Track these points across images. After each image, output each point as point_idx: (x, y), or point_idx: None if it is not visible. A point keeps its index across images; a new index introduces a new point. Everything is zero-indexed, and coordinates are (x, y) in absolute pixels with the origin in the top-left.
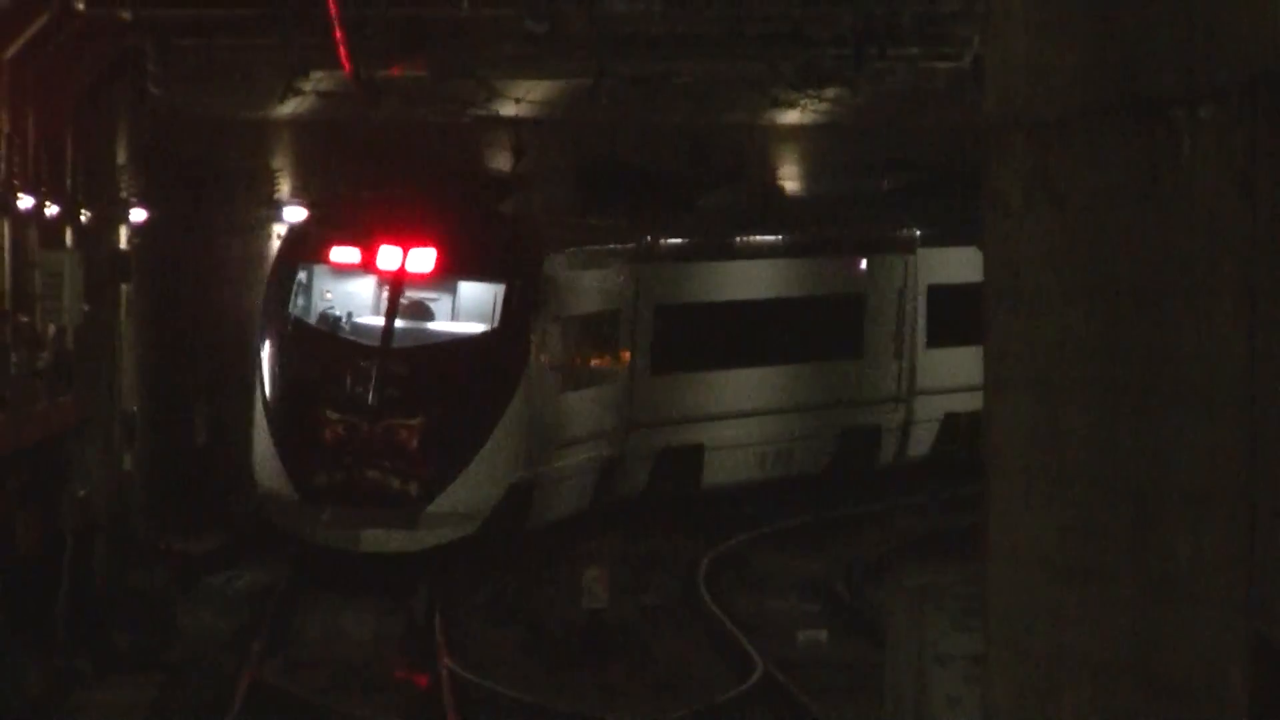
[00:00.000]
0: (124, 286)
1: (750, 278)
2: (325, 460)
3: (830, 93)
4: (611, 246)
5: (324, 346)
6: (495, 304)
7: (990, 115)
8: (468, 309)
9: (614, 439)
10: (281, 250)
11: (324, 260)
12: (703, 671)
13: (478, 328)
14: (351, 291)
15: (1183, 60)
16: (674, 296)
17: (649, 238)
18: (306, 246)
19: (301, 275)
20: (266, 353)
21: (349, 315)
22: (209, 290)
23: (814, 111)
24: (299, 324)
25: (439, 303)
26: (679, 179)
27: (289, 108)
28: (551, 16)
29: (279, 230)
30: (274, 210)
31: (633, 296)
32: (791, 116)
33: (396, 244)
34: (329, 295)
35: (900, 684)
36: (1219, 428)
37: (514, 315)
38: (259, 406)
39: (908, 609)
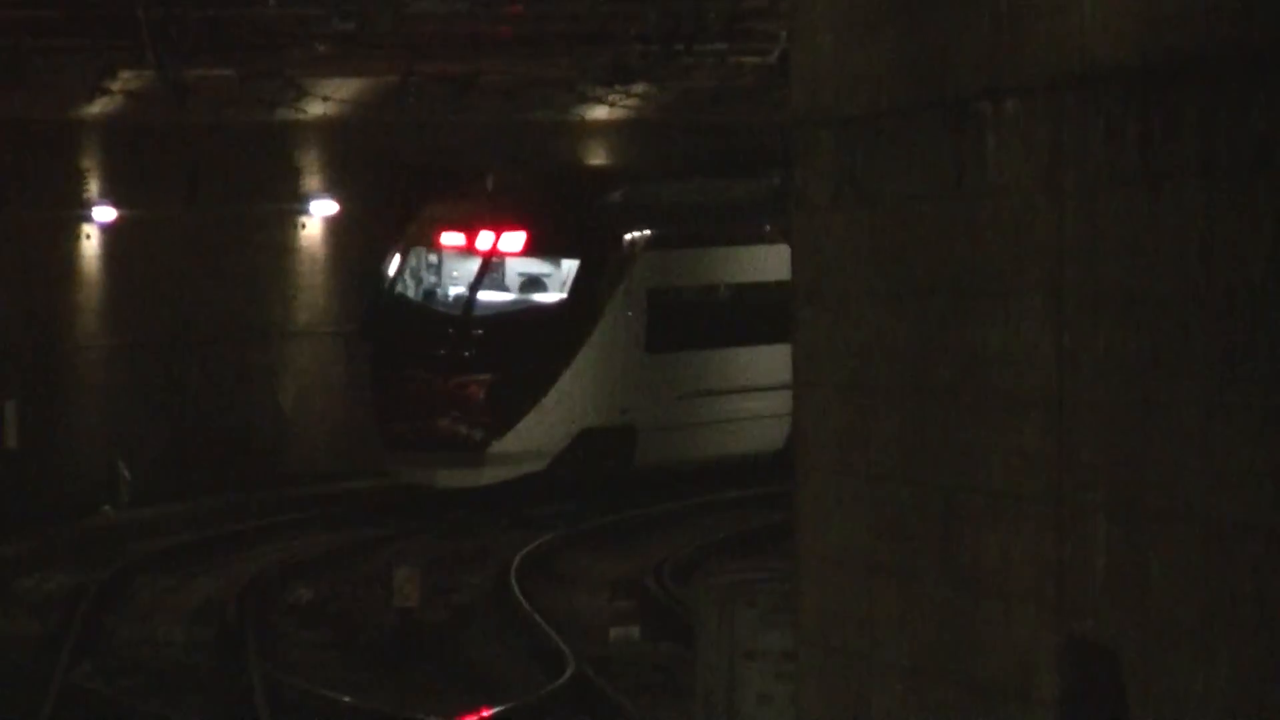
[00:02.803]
0: None
1: None
2: (409, 412)
3: (638, 89)
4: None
5: (417, 316)
6: (568, 278)
7: (798, 112)
8: (560, 283)
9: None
10: (395, 236)
11: (432, 244)
12: (515, 670)
13: (554, 298)
14: (457, 270)
15: (989, 58)
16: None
17: None
18: (415, 232)
19: (409, 257)
20: (374, 323)
21: (448, 290)
22: (18, 291)
23: (623, 108)
24: (400, 298)
25: (548, 278)
26: None
27: (97, 108)
28: (359, 15)
29: (89, 230)
30: (84, 210)
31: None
32: (600, 113)
33: (491, 229)
34: (433, 274)
35: (711, 681)
36: (1027, 429)
37: (583, 286)
38: (371, 372)
39: (718, 605)
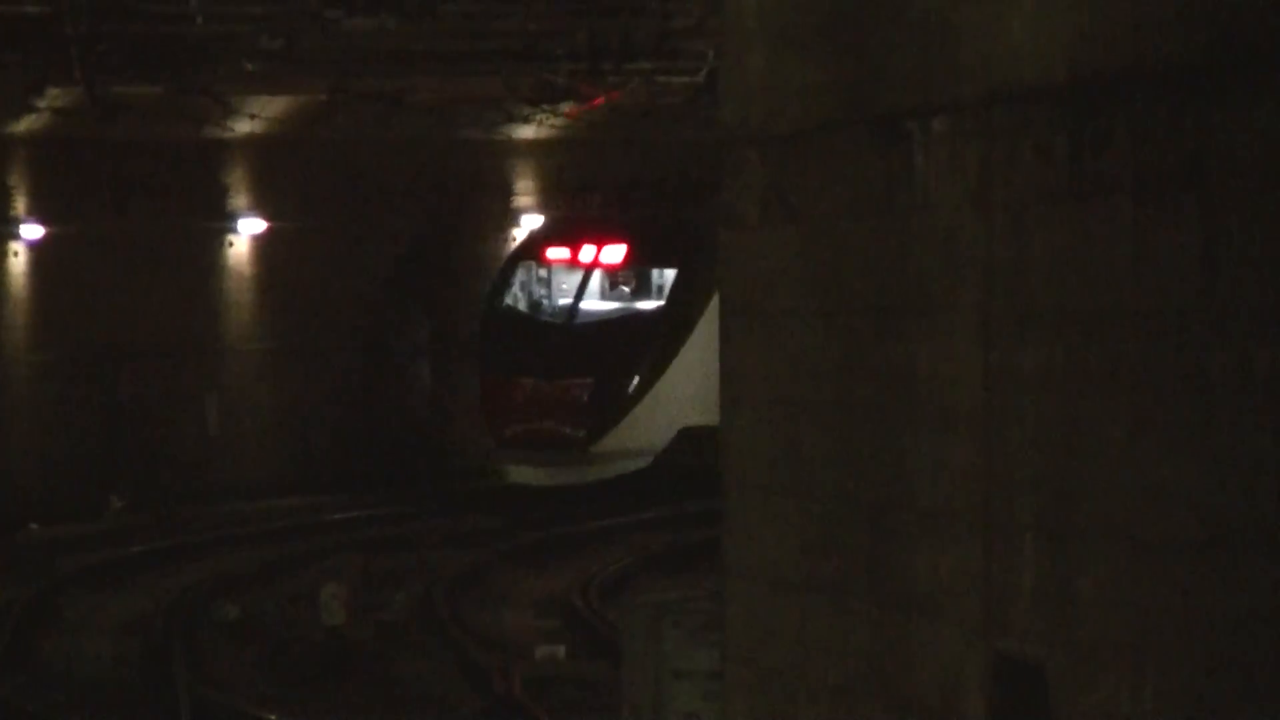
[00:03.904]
0: None
1: None
2: (516, 415)
3: (565, 107)
4: None
5: (523, 325)
6: (667, 287)
7: (726, 130)
8: (660, 291)
9: None
10: (508, 254)
11: (540, 259)
12: (441, 688)
13: (653, 305)
14: (564, 283)
15: (919, 76)
16: None
17: None
18: (524, 249)
19: (518, 271)
20: (484, 333)
21: (555, 300)
22: None
23: (550, 126)
24: (508, 309)
25: (648, 287)
26: None
27: (24, 125)
28: (287, 33)
29: (15, 248)
30: (11, 227)
31: None
32: (527, 131)
33: (594, 243)
34: (541, 286)
35: (638, 700)
36: (955, 447)
37: (680, 294)
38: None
39: (645, 624)
